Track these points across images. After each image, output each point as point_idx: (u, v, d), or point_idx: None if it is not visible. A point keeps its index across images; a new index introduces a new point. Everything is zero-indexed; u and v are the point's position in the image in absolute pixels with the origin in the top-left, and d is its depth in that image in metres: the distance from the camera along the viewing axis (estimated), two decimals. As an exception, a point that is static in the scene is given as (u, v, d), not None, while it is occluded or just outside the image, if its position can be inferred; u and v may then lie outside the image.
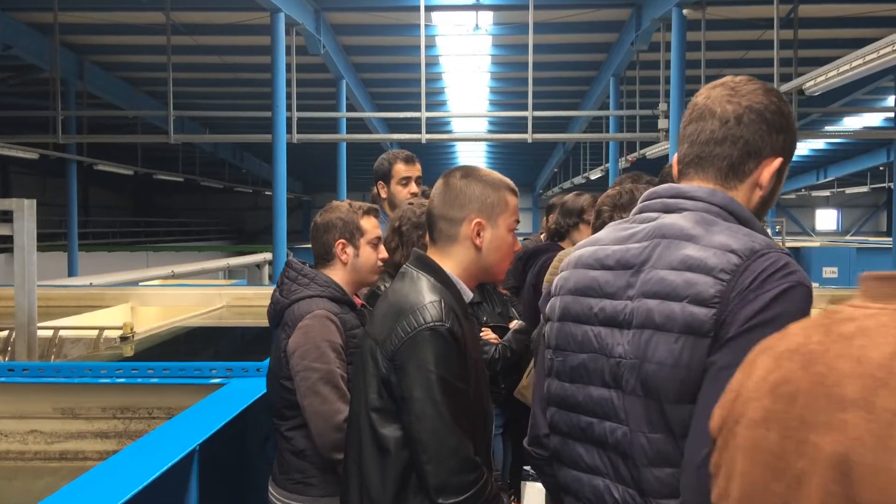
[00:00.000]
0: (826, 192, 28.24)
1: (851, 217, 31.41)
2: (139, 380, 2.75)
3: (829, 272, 15.57)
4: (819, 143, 22.57)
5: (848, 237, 27.17)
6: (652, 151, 12.01)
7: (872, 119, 19.23)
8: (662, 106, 10.41)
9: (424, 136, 10.73)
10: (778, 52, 8.07)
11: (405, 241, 2.67)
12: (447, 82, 15.68)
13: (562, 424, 1.37)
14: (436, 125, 17.61)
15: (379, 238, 2.37)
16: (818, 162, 25.51)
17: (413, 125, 11.35)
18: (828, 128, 19.57)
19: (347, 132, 13.52)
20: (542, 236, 4.58)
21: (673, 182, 1.86)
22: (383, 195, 3.31)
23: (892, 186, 23.31)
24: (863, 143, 22.40)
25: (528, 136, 10.59)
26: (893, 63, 5.53)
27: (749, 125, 1.26)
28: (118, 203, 28.77)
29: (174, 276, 10.07)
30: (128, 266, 14.79)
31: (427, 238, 1.80)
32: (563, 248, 3.51)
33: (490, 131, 19.52)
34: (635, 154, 13.14)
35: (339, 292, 2.25)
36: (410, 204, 2.79)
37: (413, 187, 3.28)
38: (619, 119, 13.05)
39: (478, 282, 1.80)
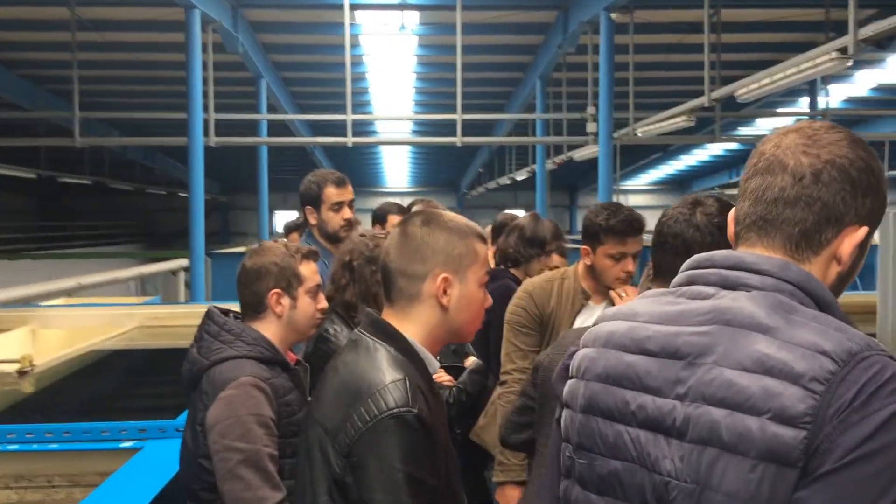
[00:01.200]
0: (736, 191, 29.12)
1: (762, 214, 32.56)
2: (35, 446, 2.35)
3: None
4: (732, 144, 23.24)
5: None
6: (579, 154, 11.98)
7: (786, 120, 19.88)
8: (591, 109, 10.37)
9: (351, 140, 10.37)
10: (709, 56, 8.08)
11: (357, 277, 2.40)
12: (372, 83, 15.32)
13: None
14: (360, 127, 17.24)
15: (319, 286, 2.05)
16: (731, 161, 26.31)
17: (338, 128, 10.96)
18: (741, 129, 20.13)
19: (269, 133, 12.99)
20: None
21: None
22: (312, 221, 3.03)
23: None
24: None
25: (458, 140, 10.37)
26: (828, 73, 5.54)
27: (829, 184, 1.00)
28: (22, 207, 27.14)
29: (81, 288, 9.37)
30: (30, 278, 13.84)
31: (381, 296, 1.54)
32: (516, 277, 3.27)
33: (416, 133, 19.25)
34: (562, 157, 13.11)
35: (270, 351, 1.92)
36: (362, 236, 2.52)
37: (347, 212, 3.02)
38: (545, 122, 12.98)
39: (443, 345, 1.52)
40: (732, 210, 1.11)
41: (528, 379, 2.16)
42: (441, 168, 27.46)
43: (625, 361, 1.05)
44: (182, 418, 2.49)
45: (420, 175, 30.14)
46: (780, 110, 15.29)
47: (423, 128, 18.56)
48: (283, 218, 30.25)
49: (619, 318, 1.11)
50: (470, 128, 10.76)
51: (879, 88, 16.00)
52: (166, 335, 6.10)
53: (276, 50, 13.12)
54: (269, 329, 1.96)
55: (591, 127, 10.26)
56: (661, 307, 1.06)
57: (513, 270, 3.29)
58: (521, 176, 17.70)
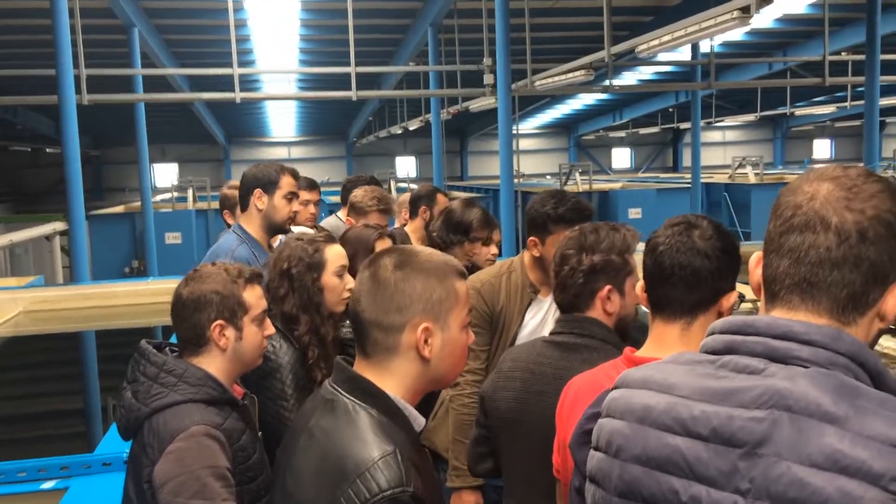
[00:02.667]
0: (622, 133, 30.01)
1: (642, 154, 33.73)
2: (-64, 496, 2.06)
3: (634, 213, 16.54)
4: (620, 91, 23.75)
5: (640, 174, 29.19)
6: (476, 105, 11.86)
7: (668, 67, 20.43)
8: (487, 61, 10.21)
9: (239, 95, 9.80)
10: (608, 9, 8.06)
11: (297, 286, 2.21)
12: (254, 30, 14.52)
13: None
14: (246, 80, 16.40)
15: (265, 311, 1.86)
16: (615, 105, 26.95)
17: (222, 82, 10.34)
18: (625, 74, 20.56)
19: (145, 87, 12.11)
20: (403, 225, 4.18)
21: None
22: (259, 206, 2.84)
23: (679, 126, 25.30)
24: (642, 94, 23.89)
25: (353, 94, 10.02)
26: (728, 30, 5.63)
27: (877, 242, 0.93)
28: None
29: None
30: None
31: (355, 348, 1.37)
32: None
33: (305, 84, 18.53)
34: (457, 107, 12.97)
35: (218, 390, 1.73)
36: (299, 240, 2.32)
37: (295, 205, 2.94)
38: (439, 72, 12.74)
39: (423, 394, 1.39)
40: (757, 258, 1.03)
41: (479, 407, 2.07)
42: (329, 117, 26.70)
43: (669, 444, 0.95)
44: (107, 448, 2.27)
45: (307, 124, 29.22)
46: (663, 58, 15.62)
47: (313, 78, 17.88)
48: (162, 171, 28.85)
49: (653, 388, 1.01)
50: (361, 79, 10.39)
51: (752, 33, 16.67)
52: (56, 318, 5.68)
53: (148, -5, 12.19)
54: (212, 364, 1.77)
55: (488, 79, 10.13)
56: (702, 381, 0.96)
57: None
58: (413, 126, 17.47)
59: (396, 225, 4.22)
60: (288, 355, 2.14)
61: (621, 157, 33.92)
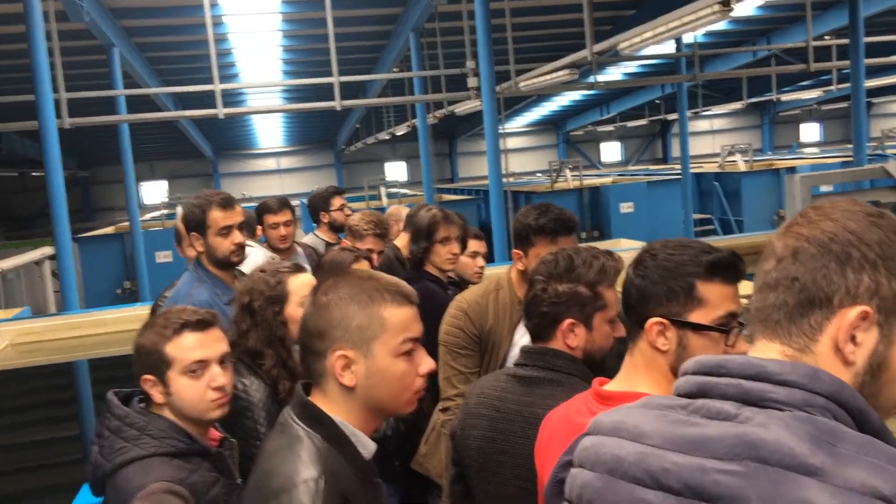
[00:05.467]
0: (610, 127, 29.99)
1: (632, 147, 33.72)
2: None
3: (626, 207, 16.50)
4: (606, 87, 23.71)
5: (631, 167, 29.17)
6: (461, 108, 11.80)
7: (652, 60, 20.40)
8: (470, 64, 10.16)
9: (222, 111, 9.71)
10: (588, 7, 8.00)
11: (259, 321, 2.15)
12: (235, 45, 14.44)
13: None
14: (230, 95, 16.32)
15: (200, 363, 1.74)
16: (602, 99, 26.92)
17: (205, 98, 10.26)
18: (610, 69, 20.52)
19: (129, 107, 12.02)
20: (396, 243, 4.11)
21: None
22: (199, 248, 2.76)
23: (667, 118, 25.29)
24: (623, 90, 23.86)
25: (337, 104, 9.93)
26: (710, 24, 5.57)
27: (807, 262, 0.89)
28: None
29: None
30: None
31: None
32: (434, 275, 3.08)
33: (289, 96, 18.44)
34: (443, 111, 12.90)
35: (184, 441, 1.65)
36: (262, 272, 2.25)
37: (236, 236, 2.75)
38: (423, 77, 12.67)
39: (382, 419, 1.38)
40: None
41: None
42: (316, 126, 26.63)
43: (641, 499, 0.89)
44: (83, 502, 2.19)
45: (295, 134, 29.15)
46: (647, 52, 15.57)
47: (297, 89, 17.80)
48: (151, 189, 28.71)
49: (624, 436, 0.95)
50: (346, 87, 10.32)
51: (735, 21, 16.63)
52: (42, 350, 5.59)
53: (127, 15, 12.08)
54: (171, 415, 1.70)
55: (472, 82, 10.07)
56: (674, 428, 0.90)
57: (427, 270, 3.10)
58: (400, 131, 17.40)
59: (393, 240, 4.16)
60: (259, 392, 2.07)
61: (611, 151, 33.90)
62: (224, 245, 2.74)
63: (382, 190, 14.91)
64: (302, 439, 1.26)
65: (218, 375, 1.76)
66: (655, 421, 0.94)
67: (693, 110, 21.83)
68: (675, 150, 28.77)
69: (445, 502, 2.41)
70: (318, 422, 1.28)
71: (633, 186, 17.19)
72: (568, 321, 1.72)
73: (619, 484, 0.92)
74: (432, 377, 2.55)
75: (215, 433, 1.80)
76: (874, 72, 18.50)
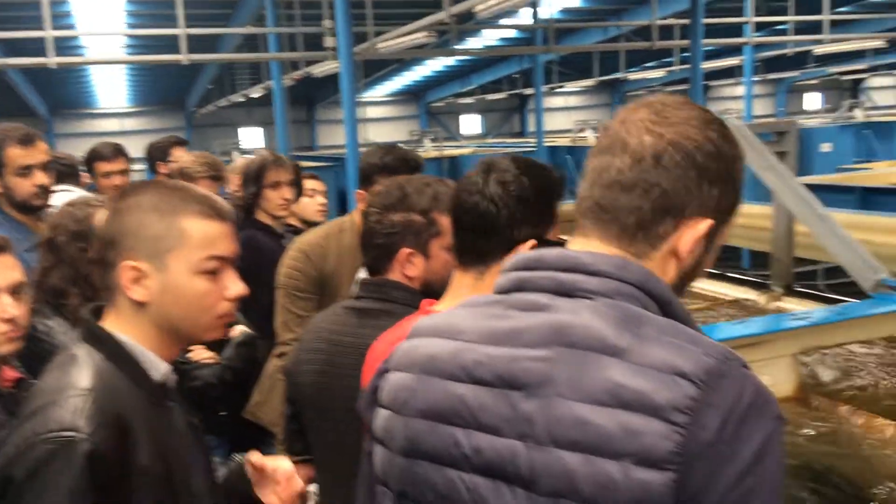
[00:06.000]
0: (470, 100, 30.38)
1: (492, 121, 34.35)
2: None
3: (484, 177, 16.88)
4: (464, 55, 23.93)
5: (489, 140, 29.75)
6: (319, 70, 11.50)
7: (509, 32, 20.77)
8: (328, 23, 9.89)
9: (54, 60, 8.92)
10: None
11: (63, 257, 1.96)
12: (71, -12, 13.33)
13: None
14: (64, 44, 15.02)
15: None
16: (463, 71, 27.18)
17: (36, 45, 9.39)
18: (470, 40, 20.73)
19: (-56, 52, 10.83)
20: (236, 192, 3.92)
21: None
22: None
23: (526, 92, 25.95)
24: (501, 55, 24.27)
25: (183, 57, 9.38)
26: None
27: (671, 170, 0.87)
28: None
29: None
30: None
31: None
32: (265, 223, 2.93)
33: (133, 48, 17.24)
34: (300, 72, 12.53)
35: None
36: (70, 205, 2.05)
37: (39, 177, 2.51)
38: (279, 35, 12.23)
39: (182, 343, 1.26)
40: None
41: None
42: (164, 84, 25.13)
43: (453, 393, 0.88)
44: None
45: (141, 93, 27.38)
46: (504, 21, 15.84)
47: (142, 42, 16.69)
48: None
49: (440, 335, 0.93)
50: (196, 42, 9.77)
51: None
52: None
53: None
54: None
55: (329, 42, 9.81)
56: (489, 322, 0.90)
57: (257, 218, 2.94)
58: (255, 93, 16.78)
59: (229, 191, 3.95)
60: (64, 334, 1.89)
61: (471, 124, 34.38)
62: (23, 186, 2.49)
63: (236, 156, 14.33)
64: (77, 358, 1.15)
65: (7, 306, 1.58)
66: (473, 318, 0.92)
67: (549, 86, 22.48)
68: (532, 125, 29.65)
69: (280, 448, 2.33)
70: (99, 340, 1.18)
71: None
72: (405, 251, 1.67)
73: (433, 381, 0.90)
74: (268, 322, 2.46)
75: (10, 373, 1.62)
76: (713, 55, 19.77)
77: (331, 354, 1.72)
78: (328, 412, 1.73)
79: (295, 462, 2.26)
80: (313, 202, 3.47)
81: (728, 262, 6.29)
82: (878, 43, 16.38)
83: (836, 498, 2.73)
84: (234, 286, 1.22)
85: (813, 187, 4.15)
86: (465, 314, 0.94)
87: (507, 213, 1.33)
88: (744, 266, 6.78)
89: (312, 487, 2.03)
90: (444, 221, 1.62)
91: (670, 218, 0.88)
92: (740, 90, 18.03)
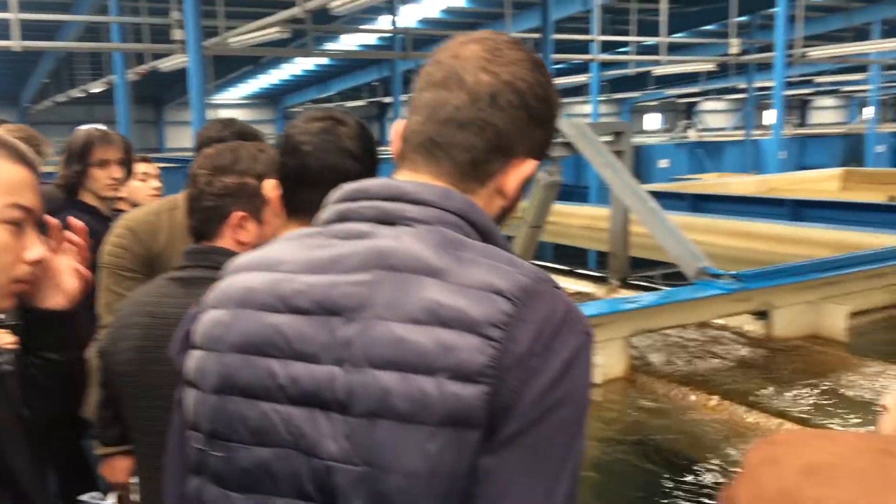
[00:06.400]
0: (329, 106, 30.11)
1: (350, 129, 34.19)
2: None
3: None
4: (323, 60, 23.70)
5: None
6: (166, 64, 11.01)
7: (371, 37, 20.80)
8: (176, 14, 9.48)
9: None
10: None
11: None
12: None
13: None
14: None
15: None
16: (322, 76, 26.93)
17: None
18: (328, 45, 20.58)
19: None
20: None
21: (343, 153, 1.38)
22: None
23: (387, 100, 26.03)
24: (359, 61, 24.24)
25: (16, 44, 8.70)
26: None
27: (506, 110, 0.89)
28: None
29: None
30: None
31: None
32: (88, 204, 2.74)
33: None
34: (146, 66, 11.94)
35: None
36: None
37: None
38: (123, 26, 11.60)
39: None
40: (399, 124, 0.96)
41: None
42: (-5, 77, 23.22)
43: (269, 324, 0.85)
44: None
45: (-36, 84, 25.15)
46: (364, 27, 15.86)
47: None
48: None
49: (258, 268, 0.90)
50: (31, 29, 9.09)
51: (448, 11, 17.60)
52: None
53: None
54: None
55: (177, 34, 9.41)
56: (310, 252, 0.88)
57: (82, 199, 2.73)
58: (96, 88, 15.81)
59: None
60: None
61: (329, 131, 34.01)
62: None
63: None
64: None
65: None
66: (293, 250, 0.90)
67: (407, 95, 22.64)
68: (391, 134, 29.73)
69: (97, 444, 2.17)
70: None
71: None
72: (237, 214, 1.60)
73: (248, 314, 0.87)
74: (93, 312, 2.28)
75: None
76: (563, 73, 20.69)
77: (150, 328, 1.60)
78: (149, 392, 1.61)
79: (112, 454, 2.13)
80: (146, 187, 3.27)
81: (575, 261, 6.58)
82: (709, 66, 17.79)
83: (669, 469, 2.89)
84: (36, 248, 1.10)
85: (652, 194, 4.43)
86: (284, 247, 0.91)
87: (363, 167, 1.32)
88: (590, 266, 7.11)
89: (134, 479, 1.90)
90: (272, 195, 1.58)
91: (501, 157, 0.90)
92: (588, 108, 18.95)
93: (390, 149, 0.98)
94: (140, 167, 3.18)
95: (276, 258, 0.90)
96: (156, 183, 3.31)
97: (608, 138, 4.72)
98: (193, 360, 0.90)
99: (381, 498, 0.77)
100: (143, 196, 3.20)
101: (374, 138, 1.43)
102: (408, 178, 0.91)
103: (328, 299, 0.83)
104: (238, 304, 0.88)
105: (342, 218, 0.90)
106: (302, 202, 1.35)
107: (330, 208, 0.92)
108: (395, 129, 0.96)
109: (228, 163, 1.62)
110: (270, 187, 1.54)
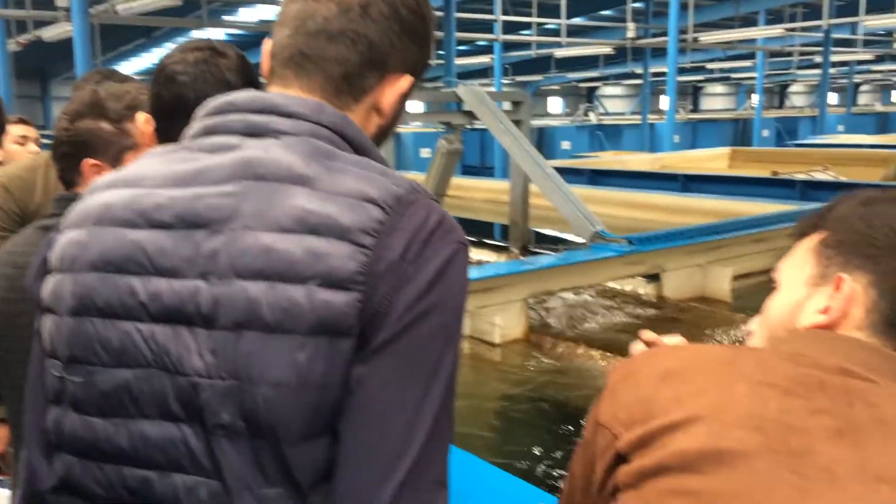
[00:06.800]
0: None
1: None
2: None
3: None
4: (221, 34, 22.94)
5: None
6: (50, 33, 10.38)
7: (268, 12, 20.26)
8: (59, -21, 8.95)
9: None
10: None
11: None
12: None
13: (89, 482, 0.83)
14: None
15: None
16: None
17: None
18: (226, 17, 19.93)
19: None
20: None
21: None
22: None
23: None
24: (260, 36, 23.61)
25: None
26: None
27: (378, 21, 0.86)
28: None
29: None
30: None
31: None
32: None
33: None
34: (28, 36, 11.23)
35: None
36: None
37: None
38: (1, -9, 10.86)
39: None
40: (268, 42, 0.92)
41: None
42: None
43: (129, 240, 0.81)
44: None
45: None
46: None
47: None
48: None
49: (117, 185, 0.86)
50: None
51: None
52: None
53: None
54: None
55: (61, 1, 8.88)
56: (173, 166, 0.84)
57: None
58: (-26, 58, 14.77)
59: None
60: None
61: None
62: None
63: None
64: None
65: None
66: (156, 165, 0.85)
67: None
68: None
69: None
70: None
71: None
72: (88, 162, 1.52)
73: (105, 231, 0.82)
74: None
75: None
76: (466, 54, 20.76)
77: (15, 279, 1.50)
78: (17, 346, 1.51)
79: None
80: (23, 150, 3.08)
81: (481, 233, 6.66)
82: (607, 50, 18.24)
83: (569, 423, 2.95)
84: None
85: (555, 170, 4.50)
86: (146, 163, 0.87)
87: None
88: (496, 237, 7.21)
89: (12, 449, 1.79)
90: (145, 130, 1.50)
91: (375, 71, 0.87)
92: (492, 90, 19.14)
93: (263, 65, 0.93)
94: (17, 129, 2.98)
95: (137, 174, 0.85)
96: (34, 147, 3.12)
97: (507, 107, 4.76)
98: (49, 285, 0.85)
99: (249, 412, 0.74)
100: (21, 160, 3.02)
101: (255, 72, 1.38)
102: (278, 92, 0.87)
103: (192, 212, 0.79)
104: (95, 221, 0.83)
105: (209, 132, 0.85)
106: (178, 136, 1.29)
107: (196, 123, 0.88)
108: (264, 49, 0.91)
109: (85, 107, 1.53)
110: (143, 121, 1.47)
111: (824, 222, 0.86)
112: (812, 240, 0.86)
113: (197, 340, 0.77)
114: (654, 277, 4.26)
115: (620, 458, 0.69)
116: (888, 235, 0.79)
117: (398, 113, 0.93)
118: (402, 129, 18.51)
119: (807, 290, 0.82)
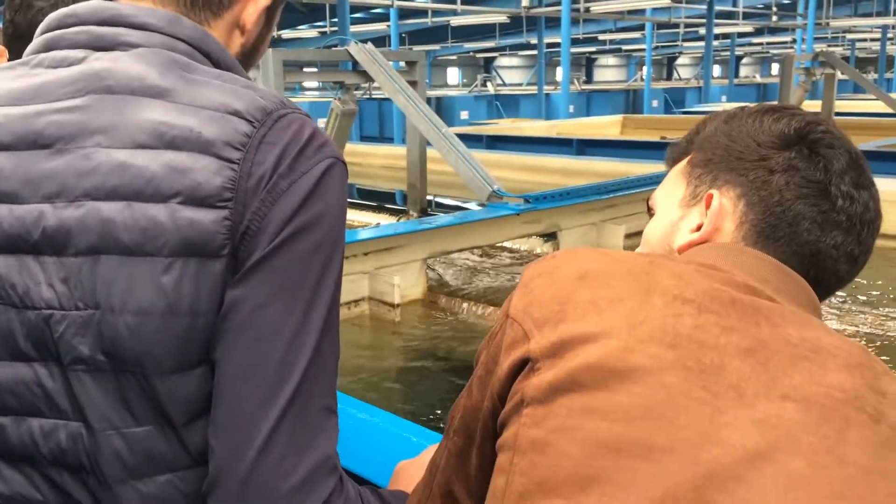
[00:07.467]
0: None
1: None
2: None
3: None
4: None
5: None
6: None
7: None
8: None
9: None
10: None
11: None
12: None
13: None
14: None
15: None
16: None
17: None
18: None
19: None
20: None
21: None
22: None
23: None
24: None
25: None
26: None
27: None
28: None
29: None
30: None
31: None
32: None
33: None
34: None
35: None
36: None
37: None
38: None
39: None
40: None
41: None
42: None
43: None
44: None
45: None
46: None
47: None
48: None
49: None
50: None
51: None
52: None
53: None
54: None
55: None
56: (9, 84, 0.76)
57: None
58: None
59: None
60: None
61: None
62: None
63: None
64: None
65: None
66: None
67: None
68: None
69: None
70: None
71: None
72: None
73: None
74: None
75: None
76: (361, 22, 20.42)
77: None
78: None
79: None
80: None
81: (384, 200, 6.61)
82: (502, 18, 18.37)
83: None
84: None
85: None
86: None
87: None
88: (398, 203, 7.17)
89: None
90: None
91: None
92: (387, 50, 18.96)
93: None
94: None
95: None
96: None
97: (403, 68, 4.68)
98: None
99: (111, 343, 0.68)
100: None
101: None
102: (125, 2, 0.79)
103: (32, 131, 0.72)
104: None
105: (49, 47, 0.77)
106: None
107: (36, 39, 0.79)
108: None
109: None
110: None
111: (692, 145, 0.85)
112: (682, 163, 0.85)
113: (45, 270, 0.70)
114: (550, 237, 4.32)
115: (528, 363, 0.66)
116: (750, 147, 0.78)
117: (264, 33, 0.87)
118: (298, 98, 18.11)
119: (681, 212, 0.81)
